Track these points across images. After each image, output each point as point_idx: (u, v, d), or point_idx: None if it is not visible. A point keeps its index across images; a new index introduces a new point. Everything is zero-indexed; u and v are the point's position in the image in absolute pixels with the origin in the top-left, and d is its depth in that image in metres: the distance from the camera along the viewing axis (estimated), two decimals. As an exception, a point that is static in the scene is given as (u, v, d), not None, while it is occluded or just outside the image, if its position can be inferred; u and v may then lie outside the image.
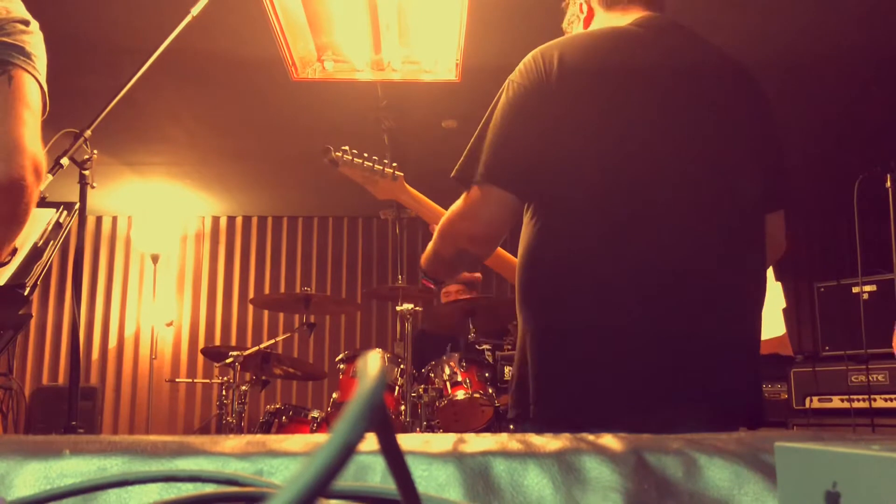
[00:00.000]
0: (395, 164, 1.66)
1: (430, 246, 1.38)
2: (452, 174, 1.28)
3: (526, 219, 1.28)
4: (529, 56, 1.26)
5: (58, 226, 1.64)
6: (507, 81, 1.26)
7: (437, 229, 1.36)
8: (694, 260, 1.19)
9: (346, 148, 1.66)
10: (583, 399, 1.17)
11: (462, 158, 1.27)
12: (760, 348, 1.29)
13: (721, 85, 1.31)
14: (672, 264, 1.17)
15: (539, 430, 1.21)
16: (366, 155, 1.66)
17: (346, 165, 1.64)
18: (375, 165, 1.64)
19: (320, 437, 0.50)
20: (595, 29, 1.33)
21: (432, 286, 1.65)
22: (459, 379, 3.47)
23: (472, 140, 1.26)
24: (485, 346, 3.80)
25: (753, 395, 1.25)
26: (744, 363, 1.23)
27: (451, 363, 3.53)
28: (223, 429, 3.87)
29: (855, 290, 3.94)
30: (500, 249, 1.56)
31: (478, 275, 1.72)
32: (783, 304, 4.16)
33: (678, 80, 1.26)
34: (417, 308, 3.44)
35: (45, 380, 6.00)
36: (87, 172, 1.70)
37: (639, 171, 1.19)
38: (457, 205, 1.30)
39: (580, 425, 1.15)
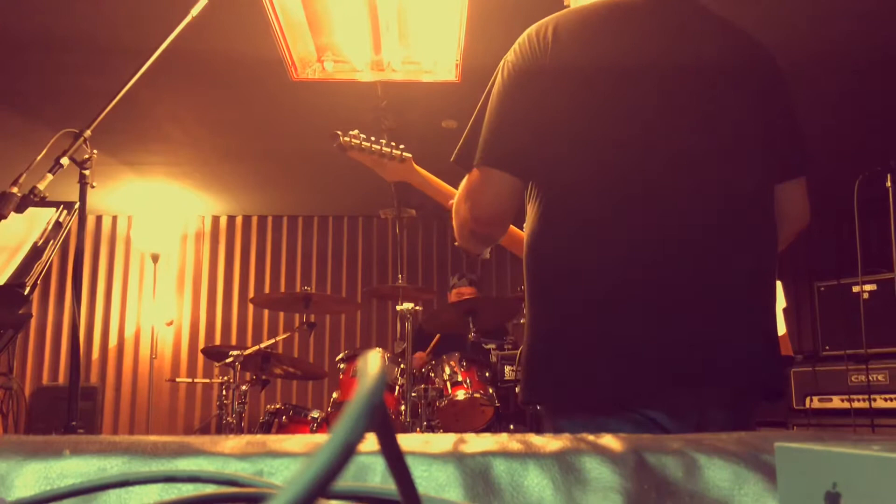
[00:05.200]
0: (402, 147, 1.69)
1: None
2: (452, 158, 1.28)
3: (528, 203, 1.27)
4: (524, 34, 1.24)
5: (58, 225, 1.64)
6: (502, 61, 1.25)
7: (452, 213, 1.36)
8: (698, 240, 1.17)
9: (355, 132, 1.70)
10: (578, 384, 1.16)
11: (461, 142, 1.26)
12: (776, 325, 1.25)
13: (724, 55, 1.26)
14: (675, 245, 1.15)
15: (550, 414, 1.21)
16: (373, 139, 1.69)
17: (355, 150, 1.68)
18: (383, 148, 1.68)
19: (320, 438, 0.50)
20: (590, 3, 1.29)
21: None
22: (460, 379, 3.47)
23: (470, 123, 1.26)
24: (489, 346, 3.80)
25: (769, 373, 1.22)
26: (756, 342, 1.20)
27: (452, 363, 3.53)
28: (223, 429, 3.88)
29: (855, 289, 3.94)
30: (511, 227, 1.56)
31: None
32: (783, 304, 4.17)
33: (677, 52, 1.23)
34: (417, 307, 3.44)
35: (45, 380, 6.00)
36: (87, 172, 1.70)
37: (637, 150, 1.17)
38: (460, 189, 1.31)
39: (573, 410, 1.15)
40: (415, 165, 1.70)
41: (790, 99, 1.32)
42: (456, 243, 1.41)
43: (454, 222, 1.36)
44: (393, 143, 1.69)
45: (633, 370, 1.13)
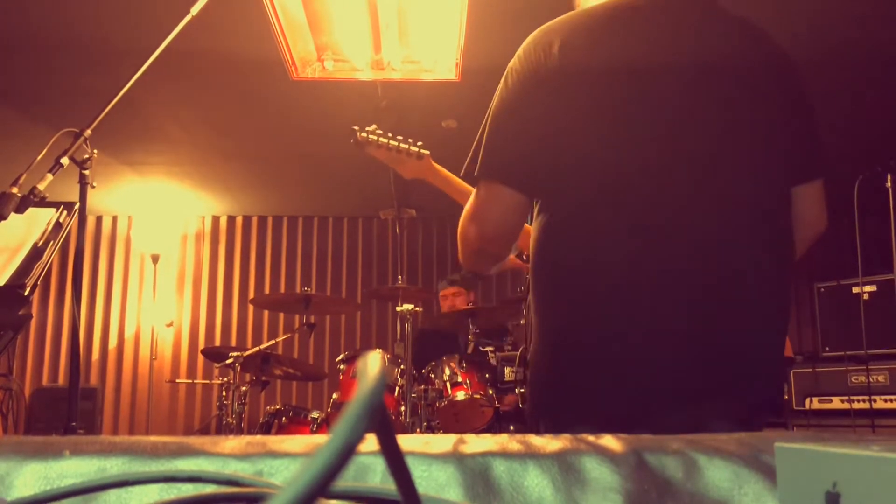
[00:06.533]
0: (420, 143, 1.66)
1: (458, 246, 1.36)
2: (461, 173, 1.26)
3: (534, 215, 1.24)
4: (528, 40, 1.21)
5: (58, 226, 1.64)
6: (507, 69, 1.22)
7: (458, 234, 1.33)
8: (710, 251, 1.13)
9: (373, 128, 1.67)
10: (587, 398, 1.15)
11: (469, 155, 1.23)
12: (784, 339, 1.22)
13: (736, 55, 1.21)
14: (686, 257, 1.12)
15: (548, 428, 1.20)
16: (390, 135, 1.66)
17: (372, 146, 1.66)
18: (401, 145, 1.65)
19: (320, 438, 0.50)
20: (596, 5, 1.24)
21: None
22: (460, 380, 3.47)
23: (477, 137, 1.23)
24: (487, 349, 3.80)
25: (771, 390, 1.19)
26: (764, 356, 1.17)
27: (452, 364, 3.53)
28: (223, 430, 3.87)
29: (855, 290, 3.93)
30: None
31: (518, 263, 1.70)
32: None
33: (686, 55, 1.18)
34: (417, 308, 3.44)
35: (44, 380, 6.00)
36: (87, 172, 1.70)
37: (647, 156, 1.13)
38: (467, 205, 1.27)
39: (583, 423, 1.14)
40: (433, 163, 1.67)
41: (805, 97, 1.26)
42: (462, 271, 1.38)
43: (459, 244, 1.31)
44: (410, 140, 1.66)
45: (626, 391, 1.11)
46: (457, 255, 1.35)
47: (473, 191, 1.25)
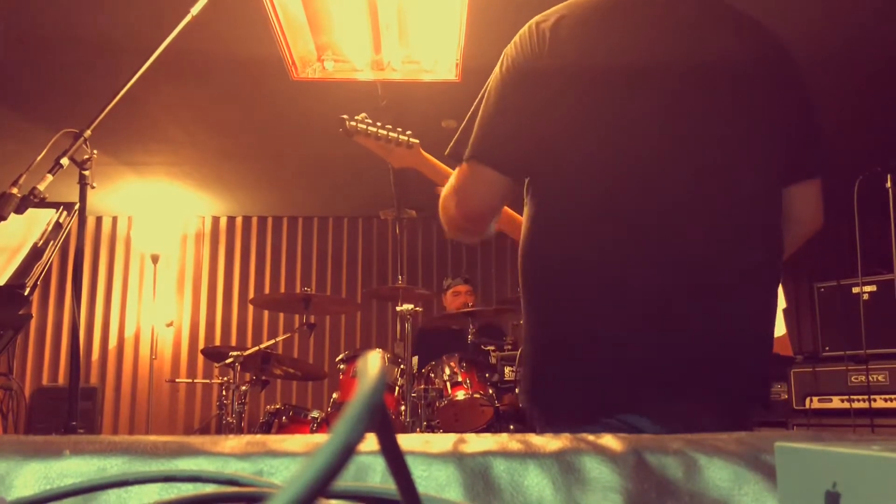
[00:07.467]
0: (409, 133, 1.66)
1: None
2: (447, 152, 1.27)
3: (525, 199, 1.25)
4: (525, 27, 1.22)
5: (58, 226, 1.64)
6: (503, 54, 1.23)
7: (440, 205, 1.34)
8: (698, 244, 1.13)
9: (362, 116, 1.67)
10: (578, 395, 1.15)
11: (456, 135, 1.24)
12: (773, 335, 1.22)
13: (732, 48, 1.20)
14: (671, 248, 1.12)
15: (540, 421, 1.20)
16: (379, 124, 1.66)
17: (361, 135, 1.66)
18: (390, 133, 1.65)
19: (320, 438, 0.50)
20: None
21: None
22: (460, 379, 3.47)
23: (466, 118, 1.24)
24: (488, 348, 3.81)
25: (758, 382, 1.19)
26: (753, 351, 1.17)
27: (452, 363, 3.53)
28: (223, 429, 3.88)
29: (855, 290, 3.93)
30: (506, 210, 1.53)
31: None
32: (783, 305, 4.16)
33: (682, 47, 1.17)
34: (417, 308, 3.44)
35: (45, 380, 6.00)
36: (87, 172, 1.70)
37: (636, 155, 1.13)
38: (451, 180, 1.29)
39: (557, 418, 1.15)
40: (423, 152, 1.67)
41: (806, 96, 1.26)
42: (446, 235, 1.40)
43: (441, 215, 1.34)
44: (400, 129, 1.66)
45: (614, 374, 1.11)
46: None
47: (456, 170, 1.26)
